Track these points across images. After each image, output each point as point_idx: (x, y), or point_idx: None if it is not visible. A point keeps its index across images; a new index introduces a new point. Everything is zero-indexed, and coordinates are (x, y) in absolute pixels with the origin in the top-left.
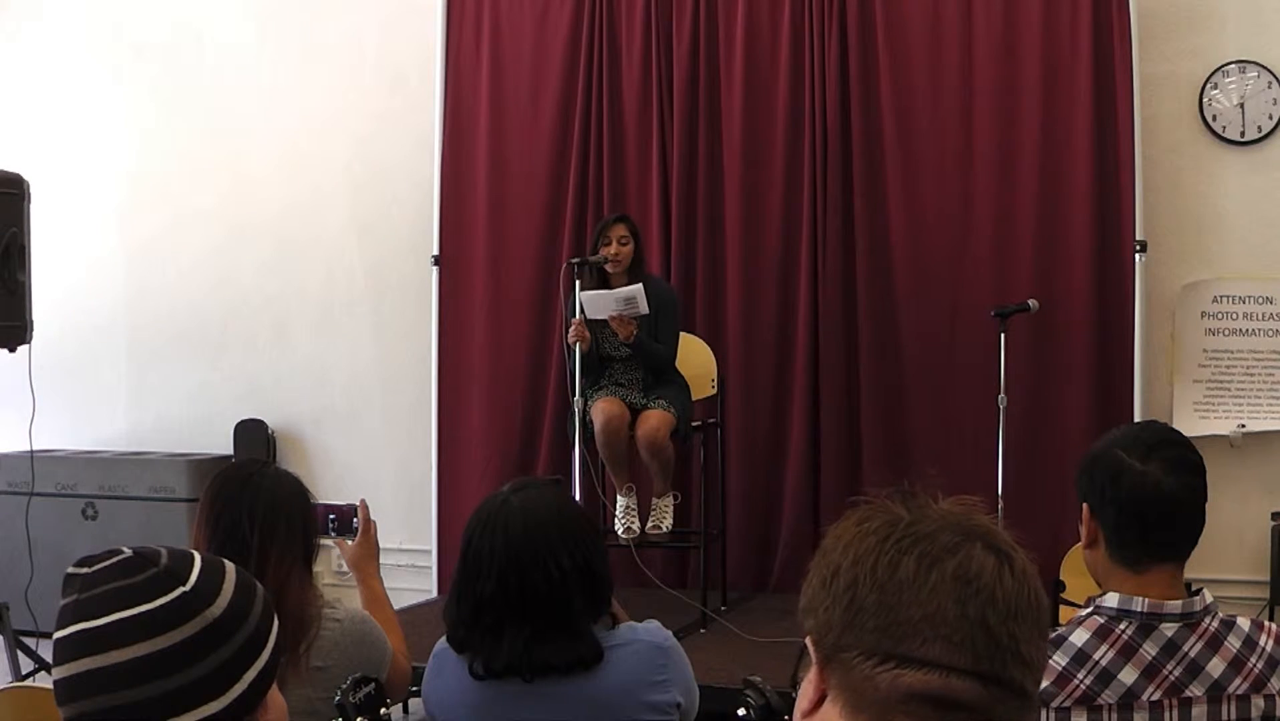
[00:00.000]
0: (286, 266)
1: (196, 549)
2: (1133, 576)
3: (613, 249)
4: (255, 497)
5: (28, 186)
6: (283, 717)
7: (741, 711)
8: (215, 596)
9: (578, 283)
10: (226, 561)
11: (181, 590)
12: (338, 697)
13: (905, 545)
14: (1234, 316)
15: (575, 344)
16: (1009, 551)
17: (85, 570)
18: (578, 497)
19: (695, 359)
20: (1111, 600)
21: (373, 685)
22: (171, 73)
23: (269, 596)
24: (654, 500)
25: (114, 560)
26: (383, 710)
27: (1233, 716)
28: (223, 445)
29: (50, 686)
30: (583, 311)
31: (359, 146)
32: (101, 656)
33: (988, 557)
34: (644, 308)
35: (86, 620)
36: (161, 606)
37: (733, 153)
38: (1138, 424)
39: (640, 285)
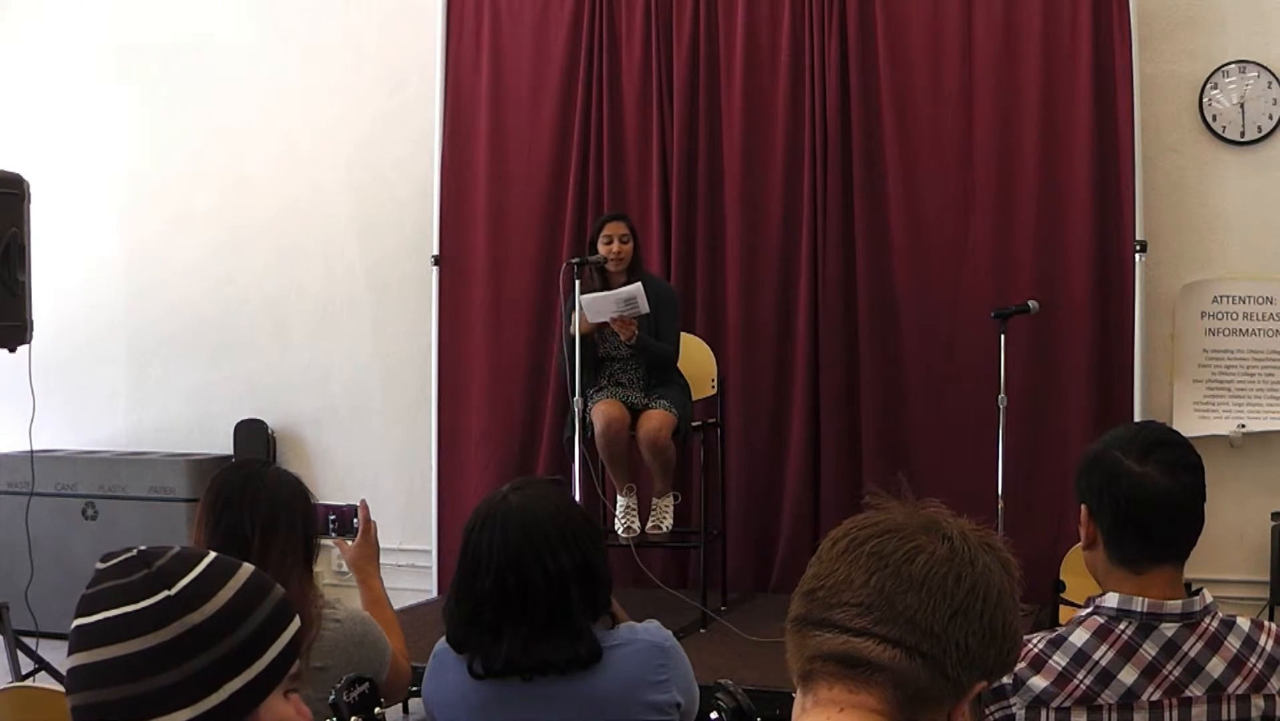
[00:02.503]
0: (286, 266)
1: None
2: (1132, 577)
3: (614, 247)
4: (256, 497)
5: (28, 186)
6: None
7: (714, 715)
8: (201, 603)
9: (577, 283)
10: (242, 568)
11: (165, 594)
12: (332, 697)
13: (851, 532)
14: (1234, 316)
15: (576, 337)
16: (946, 539)
17: (100, 565)
18: (578, 497)
19: (695, 359)
20: (1111, 600)
21: (367, 684)
22: (171, 73)
23: (287, 608)
24: (654, 500)
25: (119, 558)
26: (377, 709)
27: (1233, 716)
28: (223, 445)
29: (50, 686)
30: (583, 314)
31: (359, 146)
32: (91, 652)
33: (917, 542)
34: (644, 307)
35: (84, 615)
36: (143, 609)
37: (733, 152)
38: (1135, 424)
39: (639, 284)
